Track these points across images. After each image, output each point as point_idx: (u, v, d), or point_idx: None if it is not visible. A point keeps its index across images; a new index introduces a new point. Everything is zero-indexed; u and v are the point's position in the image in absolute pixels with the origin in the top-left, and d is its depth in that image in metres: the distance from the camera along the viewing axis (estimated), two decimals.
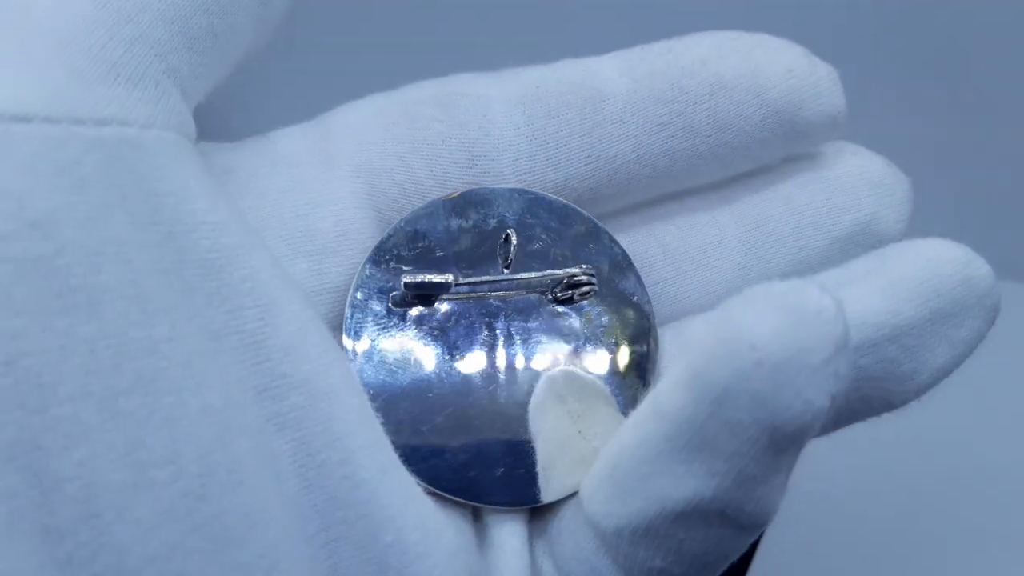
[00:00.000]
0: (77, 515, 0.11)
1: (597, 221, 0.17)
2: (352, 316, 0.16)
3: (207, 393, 0.13)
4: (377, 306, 0.16)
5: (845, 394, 0.13)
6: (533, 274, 0.16)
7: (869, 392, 0.15)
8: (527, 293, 0.17)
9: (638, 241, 0.17)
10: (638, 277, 0.17)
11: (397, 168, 0.16)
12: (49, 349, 0.11)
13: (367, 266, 0.16)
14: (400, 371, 0.16)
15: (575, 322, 0.17)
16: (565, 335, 0.17)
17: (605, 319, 0.17)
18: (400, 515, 0.14)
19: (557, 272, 0.16)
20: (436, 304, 0.16)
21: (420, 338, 0.16)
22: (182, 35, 0.14)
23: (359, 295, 0.16)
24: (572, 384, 0.16)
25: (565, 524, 0.15)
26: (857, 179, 0.18)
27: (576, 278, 0.16)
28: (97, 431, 0.12)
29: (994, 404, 0.38)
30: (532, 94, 0.17)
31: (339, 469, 0.14)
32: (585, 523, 0.15)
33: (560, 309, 0.17)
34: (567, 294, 0.17)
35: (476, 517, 0.16)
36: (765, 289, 0.12)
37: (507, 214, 0.17)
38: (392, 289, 0.16)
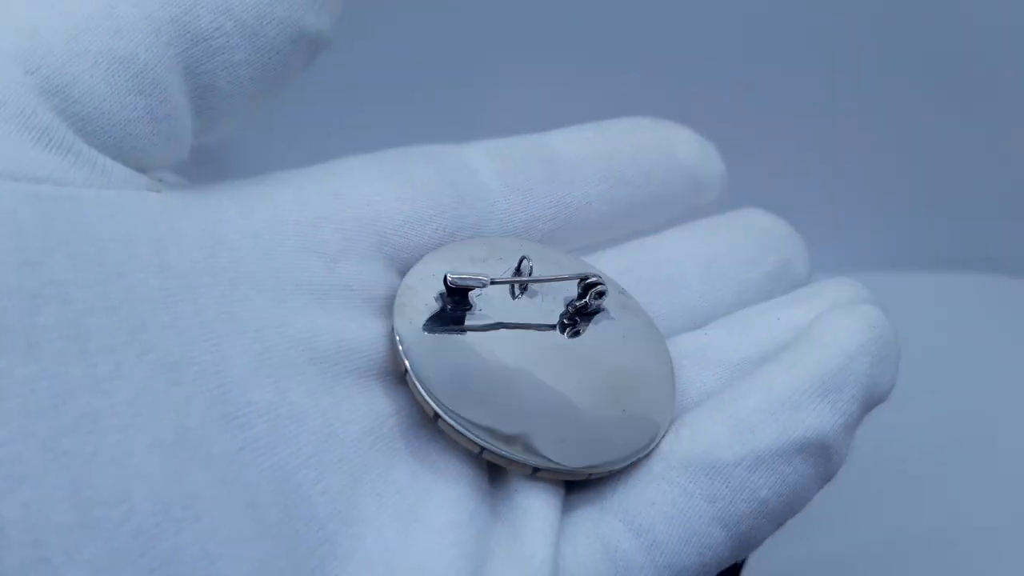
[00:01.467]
0: (24, 559, 0.11)
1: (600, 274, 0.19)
2: (402, 296, 0.17)
3: (157, 428, 0.13)
4: (426, 295, 0.18)
5: None
6: (550, 277, 0.19)
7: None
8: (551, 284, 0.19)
9: (614, 273, 0.20)
10: (639, 307, 0.20)
11: (400, 199, 0.18)
12: None
13: (420, 264, 0.18)
14: (445, 350, 0.17)
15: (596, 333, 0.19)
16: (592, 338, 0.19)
17: (622, 335, 0.19)
18: (380, 511, 0.15)
19: (569, 276, 0.19)
20: (469, 309, 0.18)
21: (462, 328, 0.18)
22: (115, 114, 0.15)
23: (411, 281, 0.18)
24: (616, 373, 0.18)
25: (639, 478, 0.17)
26: (771, 230, 0.22)
27: (589, 280, 0.18)
28: (40, 472, 0.11)
29: (993, 400, 0.38)
30: (499, 153, 0.20)
31: (313, 488, 0.14)
32: (676, 467, 0.16)
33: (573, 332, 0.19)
34: (583, 299, 0.18)
35: (497, 484, 0.17)
36: (843, 309, 0.19)
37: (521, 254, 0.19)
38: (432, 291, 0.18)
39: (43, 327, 0.12)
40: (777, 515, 0.17)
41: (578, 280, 0.18)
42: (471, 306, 0.18)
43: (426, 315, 0.17)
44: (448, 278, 0.17)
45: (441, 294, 0.18)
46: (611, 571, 0.16)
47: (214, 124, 0.17)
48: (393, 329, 0.17)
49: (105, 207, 0.14)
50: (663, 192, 0.21)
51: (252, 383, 0.14)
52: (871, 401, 0.18)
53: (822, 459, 0.17)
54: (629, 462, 0.17)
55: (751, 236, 0.22)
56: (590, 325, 0.18)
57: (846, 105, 0.41)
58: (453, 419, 0.16)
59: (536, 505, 0.16)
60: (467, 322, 0.18)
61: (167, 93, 0.15)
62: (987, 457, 0.36)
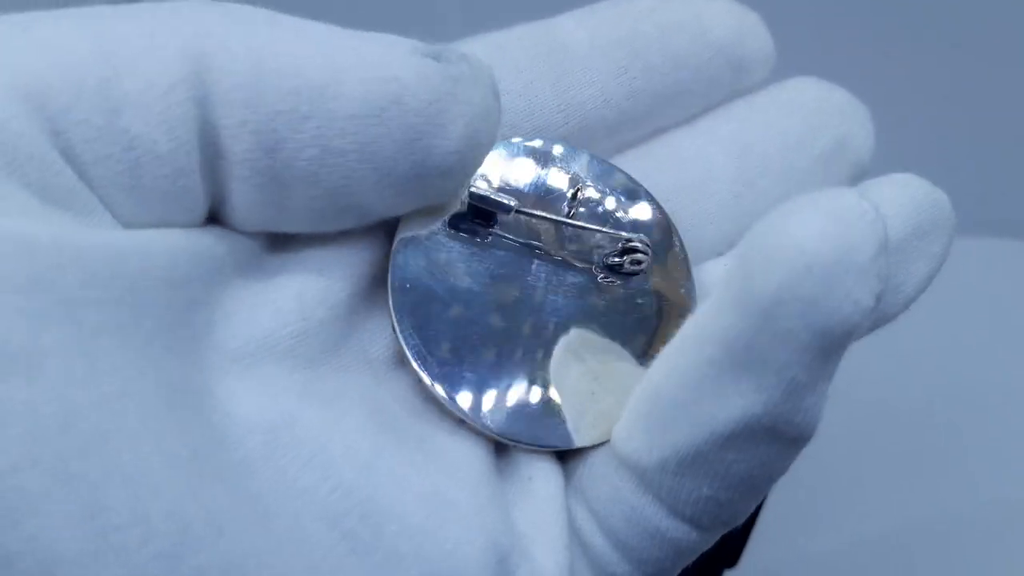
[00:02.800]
0: None
1: (653, 198, 0.18)
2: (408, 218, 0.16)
3: (171, 446, 0.12)
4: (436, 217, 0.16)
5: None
6: (594, 226, 0.17)
7: None
8: (577, 251, 0.17)
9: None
10: (688, 269, 0.18)
11: None
12: None
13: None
14: (441, 279, 0.16)
15: (617, 293, 0.17)
16: (602, 306, 0.17)
17: (645, 300, 0.17)
18: (398, 502, 0.14)
19: (618, 233, 0.17)
20: (492, 228, 0.17)
21: (468, 256, 0.16)
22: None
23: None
24: (589, 345, 0.16)
25: (597, 469, 0.15)
26: (824, 103, 0.19)
27: (632, 244, 0.17)
28: (48, 500, 0.11)
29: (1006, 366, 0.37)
30: (498, 54, 0.17)
31: (324, 485, 0.13)
32: (621, 465, 0.15)
33: (604, 279, 0.17)
34: (619, 261, 0.17)
35: (503, 457, 0.16)
36: (806, 199, 0.13)
37: (578, 171, 0.17)
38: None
39: (46, 348, 0.11)
40: (739, 500, 0.14)
41: (620, 240, 0.17)
42: (495, 223, 0.17)
43: (428, 238, 0.16)
44: (471, 190, 0.16)
45: (464, 202, 0.16)
46: (584, 555, 0.15)
47: (230, 225, 0.15)
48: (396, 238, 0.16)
49: (123, 231, 0.13)
50: (697, 78, 0.18)
51: (241, 396, 0.14)
52: (827, 340, 0.13)
53: (769, 439, 0.14)
54: (549, 449, 0.16)
55: (798, 112, 0.19)
56: (620, 286, 0.17)
57: (855, 66, 0.40)
58: (405, 338, 0.15)
59: (543, 485, 0.16)
60: (469, 253, 0.16)
61: (188, 199, 0.14)
62: (999, 432, 0.35)
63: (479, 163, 0.15)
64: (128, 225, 0.14)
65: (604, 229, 0.17)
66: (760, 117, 0.19)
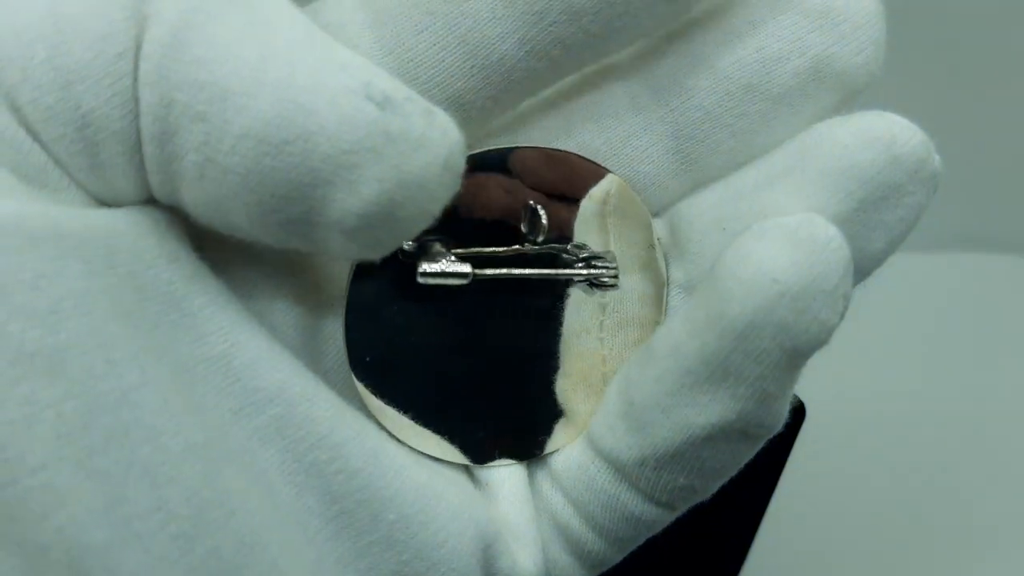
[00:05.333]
0: None
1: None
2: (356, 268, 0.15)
3: (188, 432, 0.12)
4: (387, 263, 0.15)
5: None
6: (550, 271, 0.16)
7: None
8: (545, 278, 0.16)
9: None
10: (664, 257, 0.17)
11: None
12: (11, 420, 0.11)
13: None
14: (398, 332, 0.16)
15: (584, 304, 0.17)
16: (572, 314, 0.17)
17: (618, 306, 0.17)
18: (398, 492, 0.14)
19: (576, 272, 0.16)
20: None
21: (423, 303, 0.16)
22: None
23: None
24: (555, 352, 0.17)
25: (574, 460, 0.16)
26: (793, 17, 0.15)
27: (598, 266, 0.16)
28: (74, 494, 0.11)
29: (999, 380, 0.38)
30: (391, 12, 0.14)
31: (329, 466, 0.14)
32: (597, 457, 0.16)
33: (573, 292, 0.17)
34: (585, 279, 0.16)
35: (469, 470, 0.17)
36: (775, 225, 0.13)
37: (519, 174, 0.16)
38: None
39: (65, 345, 0.11)
40: (711, 485, 0.16)
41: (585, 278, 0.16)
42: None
43: (384, 287, 0.15)
44: (422, 270, 0.15)
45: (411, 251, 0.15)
46: (565, 542, 0.16)
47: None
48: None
49: (108, 209, 0.13)
50: (628, 10, 0.14)
51: (260, 368, 0.14)
52: (796, 357, 0.14)
53: (740, 437, 0.15)
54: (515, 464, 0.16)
55: (753, 40, 0.15)
56: (594, 294, 0.17)
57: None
58: (359, 381, 0.15)
59: (510, 488, 0.16)
60: (425, 302, 0.16)
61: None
62: (996, 440, 0.36)
63: (406, 235, 0.13)
64: (100, 201, 0.13)
65: (567, 272, 0.16)
66: (703, 56, 0.16)
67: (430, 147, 0.12)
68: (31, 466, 0.11)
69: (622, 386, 0.15)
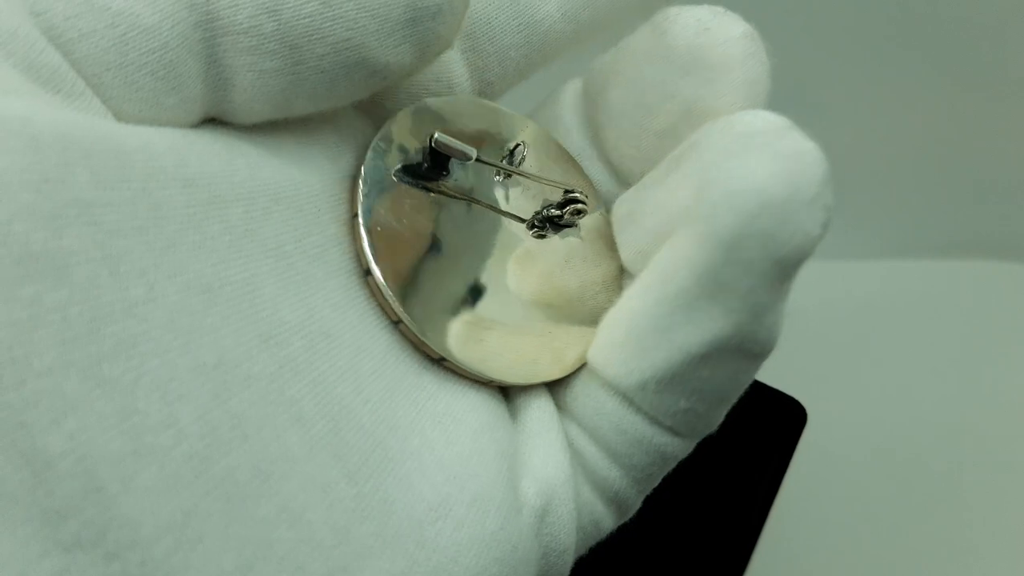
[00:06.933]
0: (77, 491, 0.11)
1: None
2: (371, 159, 0.16)
3: (197, 352, 0.12)
4: (394, 158, 0.16)
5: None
6: (542, 178, 0.18)
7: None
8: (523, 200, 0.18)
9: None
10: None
11: None
12: (16, 321, 0.11)
13: (392, 124, 0.17)
14: (408, 225, 0.16)
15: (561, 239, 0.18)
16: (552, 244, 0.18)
17: (580, 257, 0.18)
18: (419, 416, 0.15)
19: (557, 183, 0.18)
20: (443, 178, 0.17)
21: (428, 204, 0.17)
22: (116, 89, 0.13)
23: (382, 144, 0.16)
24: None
25: (580, 389, 0.17)
26: (664, 67, 0.17)
27: (573, 195, 0.17)
28: (84, 400, 0.11)
29: (1001, 386, 0.38)
30: None
31: (355, 398, 0.14)
32: (602, 385, 0.16)
33: (537, 233, 0.18)
34: (558, 213, 0.17)
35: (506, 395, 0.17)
36: (757, 136, 0.14)
37: (511, 132, 0.18)
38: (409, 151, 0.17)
39: (69, 250, 0.11)
40: (713, 409, 0.16)
41: (563, 191, 0.17)
42: (448, 173, 0.17)
43: (400, 162, 0.16)
44: (435, 137, 0.16)
45: (423, 149, 0.17)
46: (584, 471, 0.16)
47: (228, 117, 0.15)
48: (362, 169, 0.16)
49: (121, 125, 0.13)
50: None
51: (282, 302, 0.14)
52: (784, 267, 0.14)
53: (737, 355, 0.15)
54: (526, 383, 0.17)
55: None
56: (556, 236, 0.18)
57: (850, 92, 0.41)
58: (381, 277, 0.16)
59: (538, 412, 0.17)
60: (439, 184, 0.17)
61: (181, 80, 0.13)
62: (997, 445, 0.36)
63: (465, 5, 0.15)
64: (119, 116, 0.13)
65: (549, 180, 0.18)
66: None
67: None
68: (38, 369, 0.11)
69: (616, 316, 0.16)
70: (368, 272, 0.15)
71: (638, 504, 0.17)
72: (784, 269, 0.14)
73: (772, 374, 0.37)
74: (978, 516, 0.34)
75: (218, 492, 0.12)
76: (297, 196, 0.15)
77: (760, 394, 0.36)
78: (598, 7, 0.18)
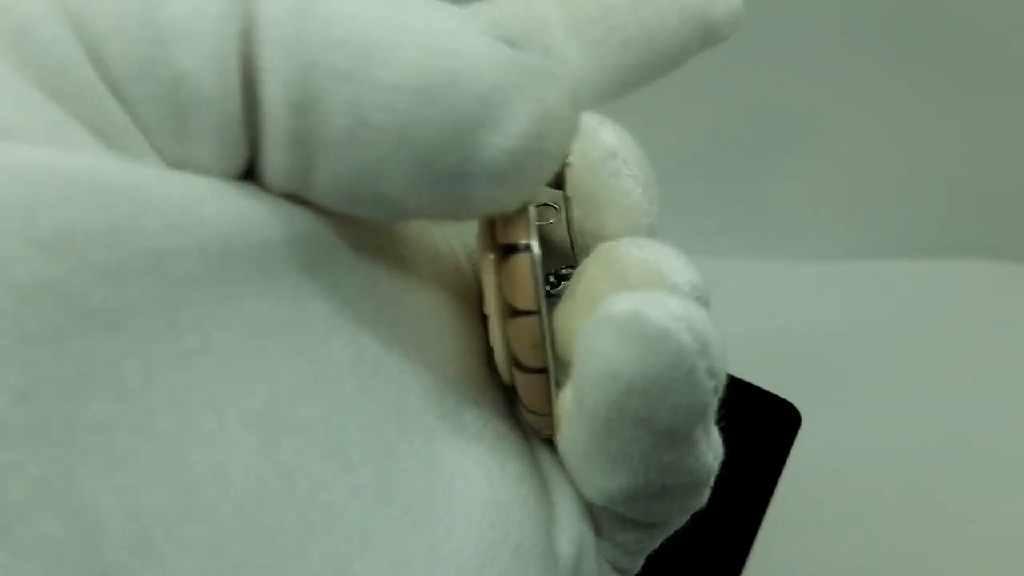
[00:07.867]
0: (126, 548, 0.10)
1: None
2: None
3: (247, 399, 0.12)
4: None
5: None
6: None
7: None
8: None
9: None
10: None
11: None
12: (68, 377, 0.10)
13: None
14: None
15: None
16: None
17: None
18: (462, 458, 0.15)
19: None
20: None
21: None
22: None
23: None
24: None
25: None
26: None
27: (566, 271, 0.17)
28: (134, 455, 0.11)
29: (998, 387, 0.38)
30: (496, 24, 0.15)
31: (399, 440, 0.14)
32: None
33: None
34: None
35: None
36: (607, 318, 0.12)
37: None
38: None
39: (130, 302, 0.11)
40: (667, 529, 0.16)
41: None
42: None
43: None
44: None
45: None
46: None
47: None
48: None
49: (186, 173, 0.12)
50: (665, 48, 0.17)
51: (333, 339, 0.13)
52: (674, 436, 0.13)
53: (665, 494, 0.14)
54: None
55: None
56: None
57: (847, 93, 0.41)
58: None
59: (557, 467, 0.16)
60: None
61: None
62: (994, 447, 0.36)
63: (541, 178, 0.13)
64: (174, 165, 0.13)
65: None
66: None
67: (559, 80, 0.13)
68: (89, 425, 0.10)
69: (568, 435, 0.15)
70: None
71: (636, 569, 0.17)
72: (676, 437, 0.13)
73: (766, 376, 0.37)
74: (973, 517, 0.34)
75: (267, 545, 0.12)
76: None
77: (754, 396, 0.36)
78: (611, 73, 0.17)
